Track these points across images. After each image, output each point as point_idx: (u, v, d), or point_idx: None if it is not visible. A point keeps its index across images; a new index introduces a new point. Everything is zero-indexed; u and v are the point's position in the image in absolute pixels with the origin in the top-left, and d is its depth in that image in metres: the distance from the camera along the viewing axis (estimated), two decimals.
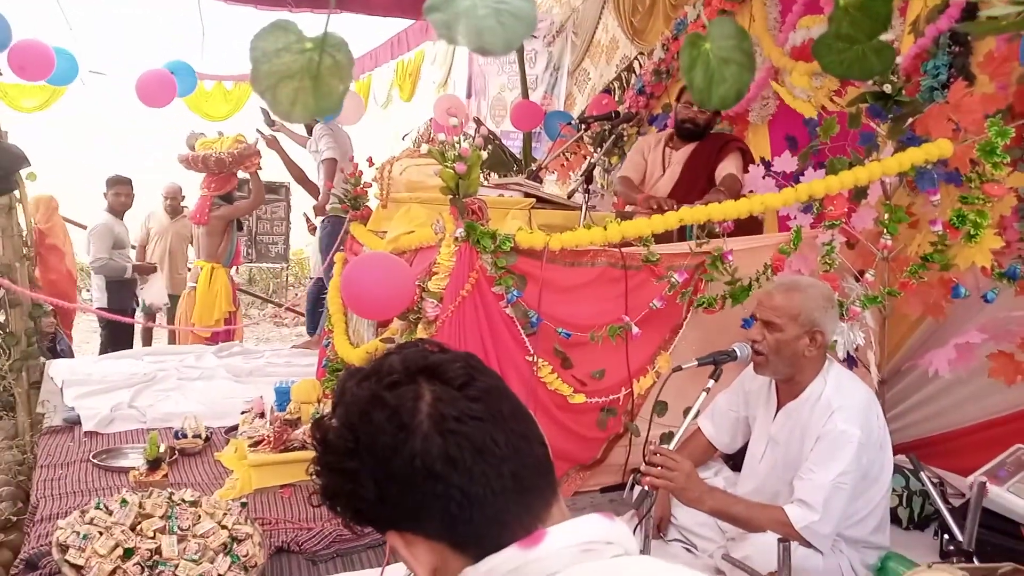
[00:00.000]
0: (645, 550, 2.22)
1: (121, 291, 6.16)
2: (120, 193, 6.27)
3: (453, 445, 0.87)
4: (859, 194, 3.09)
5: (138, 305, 6.41)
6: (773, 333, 2.45)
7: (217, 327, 5.91)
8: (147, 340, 6.82)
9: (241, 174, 6.28)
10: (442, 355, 0.95)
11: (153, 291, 6.60)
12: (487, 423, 0.89)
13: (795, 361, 2.46)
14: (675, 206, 3.42)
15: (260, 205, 6.32)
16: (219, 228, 6.01)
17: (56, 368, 4.78)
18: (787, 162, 3.31)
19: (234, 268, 6.59)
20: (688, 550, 2.69)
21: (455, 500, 0.87)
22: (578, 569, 0.85)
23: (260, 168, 6.08)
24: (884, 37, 0.75)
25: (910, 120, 3.10)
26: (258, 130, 6.15)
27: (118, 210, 6.27)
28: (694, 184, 3.95)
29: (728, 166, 3.86)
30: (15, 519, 3.32)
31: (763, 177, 3.42)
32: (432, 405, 0.89)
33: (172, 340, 7.11)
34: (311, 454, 3.12)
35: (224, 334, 6.02)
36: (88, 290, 10.43)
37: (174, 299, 6.96)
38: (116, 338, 6.07)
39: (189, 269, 7.26)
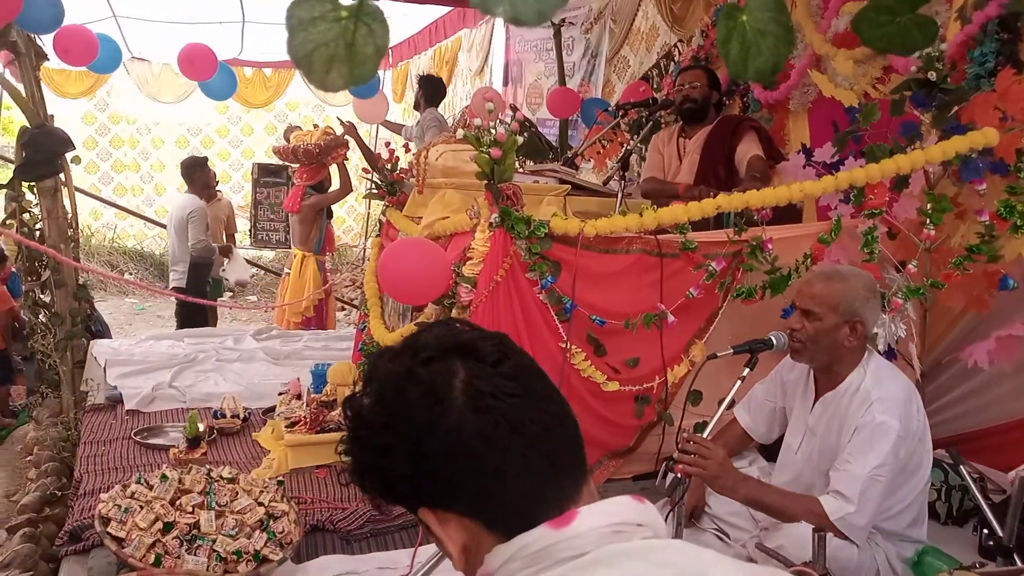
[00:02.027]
0: (677, 537, 2.22)
1: (200, 272, 6.36)
2: (209, 172, 6.52)
3: (488, 422, 0.86)
4: (901, 183, 3.03)
5: (210, 285, 6.62)
6: (812, 322, 2.42)
7: (307, 313, 6.08)
8: (215, 321, 6.93)
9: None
10: (474, 333, 0.94)
11: (237, 269, 6.82)
12: (522, 400, 0.89)
13: (834, 351, 2.43)
14: (714, 194, 3.39)
15: (348, 194, 6.50)
16: (309, 217, 6.16)
17: (99, 348, 4.88)
18: (828, 152, 3.25)
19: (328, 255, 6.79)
20: (721, 539, 2.68)
21: (489, 477, 0.86)
22: (608, 549, 0.85)
23: (347, 159, 6.24)
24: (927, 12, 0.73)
25: (955, 108, 3.03)
26: (337, 117, 6.41)
27: (203, 191, 6.46)
28: (714, 169, 3.91)
29: (750, 147, 3.81)
30: (60, 494, 3.42)
31: (803, 166, 3.37)
32: (466, 381, 0.88)
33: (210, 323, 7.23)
34: None
35: (316, 320, 6.15)
36: (130, 273, 10.62)
37: (216, 283, 7.09)
38: (192, 318, 6.28)
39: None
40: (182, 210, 6.18)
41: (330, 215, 6.57)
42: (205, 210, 6.27)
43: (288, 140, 6.36)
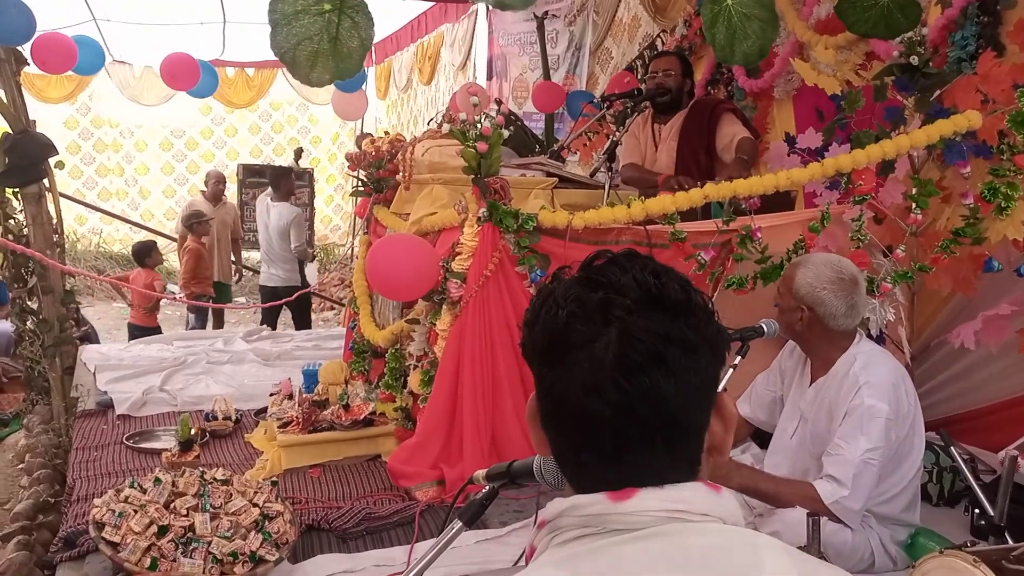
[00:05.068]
0: None
1: (304, 271, 7.10)
2: (292, 181, 7.06)
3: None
4: (886, 168, 3.04)
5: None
6: (780, 301, 2.55)
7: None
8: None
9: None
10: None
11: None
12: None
13: (791, 332, 2.52)
14: (697, 183, 3.39)
15: None
16: None
17: (88, 353, 4.86)
18: (812, 138, 3.26)
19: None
20: None
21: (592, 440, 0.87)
22: (659, 529, 0.82)
23: None
24: None
25: (937, 92, 3.04)
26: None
27: (288, 197, 6.90)
28: (694, 157, 3.90)
29: (735, 129, 3.79)
30: (53, 500, 3.40)
31: (788, 154, 3.38)
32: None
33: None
34: (339, 434, 3.15)
35: None
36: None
37: (223, 287, 7.07)
38: (304, 315, 7.05)
39: (234, 261, 7.40)
40: (281, 217, 6.64)
41: None
42: (303, 216, 6.96)
43: (360, 147, 6.46)
